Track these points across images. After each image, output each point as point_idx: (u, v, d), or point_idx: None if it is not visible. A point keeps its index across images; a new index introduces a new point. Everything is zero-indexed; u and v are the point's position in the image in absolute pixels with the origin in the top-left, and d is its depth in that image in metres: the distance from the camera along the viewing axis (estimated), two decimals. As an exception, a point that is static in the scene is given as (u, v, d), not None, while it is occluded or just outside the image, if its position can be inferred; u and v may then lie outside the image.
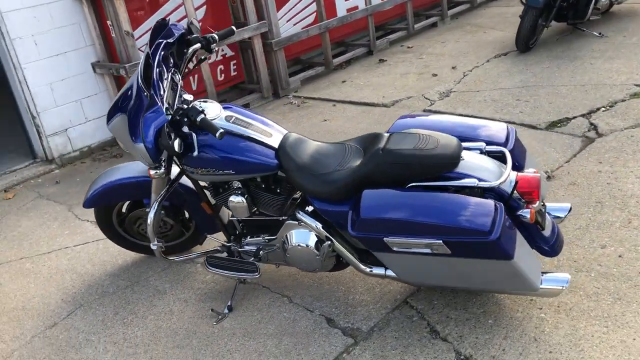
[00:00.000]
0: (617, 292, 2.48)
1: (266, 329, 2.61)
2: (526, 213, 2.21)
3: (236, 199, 2.65)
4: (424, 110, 4.82)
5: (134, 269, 3.22)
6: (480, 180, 2.24)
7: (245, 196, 2.66)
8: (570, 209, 2.61)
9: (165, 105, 2.45)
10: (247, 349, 2.51)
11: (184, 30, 2.75)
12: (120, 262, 3.29)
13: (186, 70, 2.82)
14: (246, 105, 5.60)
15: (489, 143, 2.44)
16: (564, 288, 2.26)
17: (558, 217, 2.60)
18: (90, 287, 3.14)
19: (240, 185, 2.67)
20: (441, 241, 2.11)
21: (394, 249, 2.19)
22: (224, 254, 2.86)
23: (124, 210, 3.13)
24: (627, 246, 2.75)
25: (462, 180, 2.23)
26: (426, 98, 5.09)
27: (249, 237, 2.79)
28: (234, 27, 2.92)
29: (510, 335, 2.35)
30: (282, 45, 5.70)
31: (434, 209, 2.14)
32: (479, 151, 2.41)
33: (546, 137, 3.99)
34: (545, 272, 2.32)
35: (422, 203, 2.17)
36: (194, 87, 5.39)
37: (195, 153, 2.43)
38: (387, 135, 2.43)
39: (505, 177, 2.22)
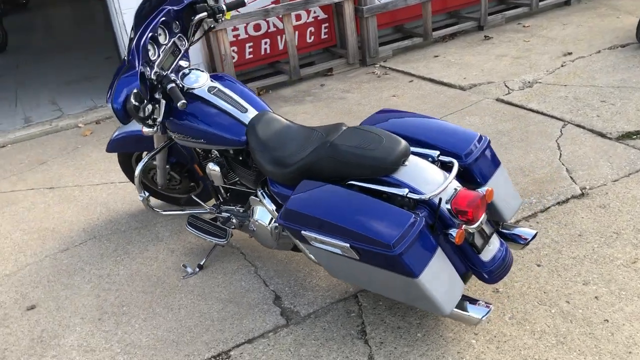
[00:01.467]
0: (565, 337, 2.25)
1: (220, 294, 2.76)
2: (454, 232, 2.08)
3: (212, 167, 2.78)
4: (497, 100, 4.51)
5: (149, 213, 3.52)
6: (411, 190, 2.13)
7: (222, 165, 2.77)
8: (535, 235, 2.39)
9: (155, 69, 2.62)
10: (194, 308, 2.69)
11: None
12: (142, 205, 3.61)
13: (193, 37, 2.95)
14: (329, 70, 5.64)
15: (446, 152, 2.29)
16: (483, 320, 2.11)
17: (518, 242, 2.39)
18: (109, 222, 3.51)
19: (217, 154, 2.79)
20: (349, 245, 2.07)
21: (311, 242, 2.19)
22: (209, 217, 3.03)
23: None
24: (612, 288, 2.45)
25: (393, 188, 2.14)
26: (506, 86, 4.74)
27: (229, 204, 2.93)
28: (243, -1, 2.98)
29: (428, 354, 2.26)
30: (373, 12, 5.59)
31: (348, 212, 2.10)
32: (430, 159, 2.28)
33: (610, 148, 3.56)
34: (470, 298, 2.18)
35: (340, 204, 2.13)
36: (280, 47, 5.52)
37: (159, 119, 2.56)
38: (343, 128, 2.38)
39: (437, 191, 2.09)
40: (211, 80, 2.73)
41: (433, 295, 2.03)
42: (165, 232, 3.33)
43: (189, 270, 2.93)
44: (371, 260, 2.05)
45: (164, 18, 2.71)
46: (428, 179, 2.18)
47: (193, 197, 3.18)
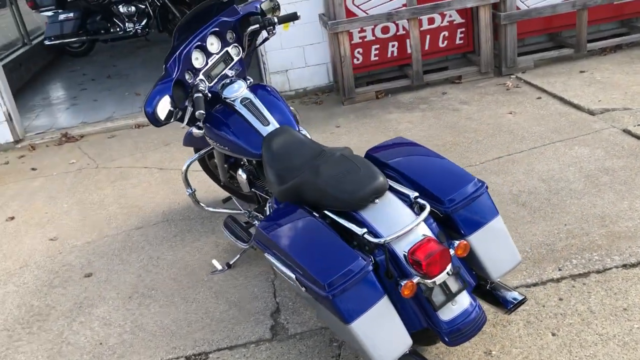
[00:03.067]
0: None
1: (232, 295, 2.89)
2: (404, 283, 1.93)
3: (239, 172, 2.90)
4: (623, 131, 3.91)
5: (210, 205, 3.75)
6: (371, 230, 2.02)
7: (249, 172, 2.88)
8: (522, 301, 2.09)
9: (200, 77, 2.79)
10: (204, 305, 2.86)
11: (254, 10, 2.98)
12: (212, 196, 3.86)
13: (249, 47, 3.06)
14: (458, 78, 5.36)
15: (430, 195, 2.11)
16: None
17: (502, 306, 2.12)
18: (185, 209, 3.83)
19: (246, 162, 2.89)
20: (294, 276, 2.04)
21: (273, 267, 2.20)
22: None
23: None
24: (623, 382, 2.05)
25: (354, 226, 2.04)
26: (643, 115, 4.07)
27: (259, 210, 3.03)
28: (297, 13, 3.00)
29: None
30: (513, 19, 5.15)
31: (303, 244, 2.06)
32: (408, 200, 2.11)
33: None
34: (421, 358, 2.00)
35: (301, 234, 2.10)
36: (409, 50, 5.39)
37: (183, 124, 2.72)
38: (337, 154, 2.31)
39: (392, 235, 1.95)
40: (248, 91, 2.82)
41: (365, 345, 1.92)
42: (215, 225, 3.54)
43: (218, 267, 3.10)
44: (314, 296, 2.00)
45: (216, 28, 2.86)
46: (393, 221, 2.03)
47: (233, 198, 3.33)
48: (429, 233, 2.03)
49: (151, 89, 2.69)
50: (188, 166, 3.14)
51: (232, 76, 2.92)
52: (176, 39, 2.76)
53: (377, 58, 5.45)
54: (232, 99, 2.79)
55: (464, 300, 2.03)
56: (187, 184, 3.19)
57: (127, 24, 8.74)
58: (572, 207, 3.14)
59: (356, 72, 5.42)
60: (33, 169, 4.94)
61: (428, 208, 2.04)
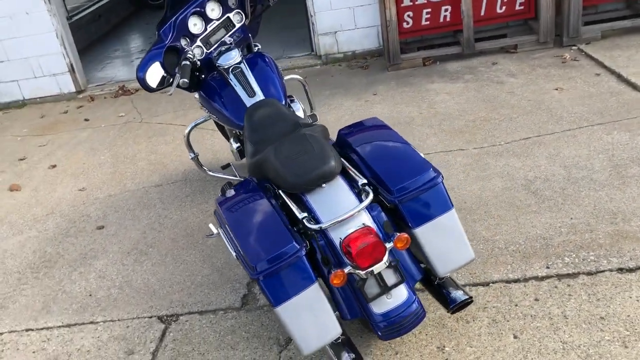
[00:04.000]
0: None
1: (218, 261, 2.96)
2: (333, 272, 1.89)
3: (231, 141, 2.92)
4: (676, 115, 3.52)
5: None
6: (313, 215, 1.98)
7: (237, 142, 2.88)
8: (466, 302, 1.99)
9: (197, 44, 2.82)
10: (190, 267, 2.95)
11: None
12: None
13: (252, 14, 3.02)
14: (514, 47, 5.02)
15: (381, 182, 2.02)
16: None
17: (446, 305, 2.03)
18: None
19: (238, 133, 2.90)
20: (234, 254, 2.05)
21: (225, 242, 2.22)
22: None
23: None
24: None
25: (297, 210, 2.01)
26: None
27: None
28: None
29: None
30: (578, -15, 4.70)
31: (246, 223, 2.05)
32: (358, 186, 2.03)
33: None
34: (352, 348, 1.96)
35: (247, 213, 2.09)
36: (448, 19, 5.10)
37: (171, 91, 2.73)
38: (300, 133, 2.25)
39: (328, 223, 1.90)
40: (242, 60, 2.80)
41: (291, 330, 1.91)
42: (231, 190, 3.60)
43: (214, 230, 3.15)
44: (249, 274, 2.00)
45: None
46: (336, 207, 1.98)
47: (232, 165, 3.36)
48: (370, 222, 1.96)
49: (145, 54, 2.74)
50: (190, 130, 3.19)
51: (231, 43, 2.91)
52: (168, 4, 2.77)
53: (428, 22, 5.19)
54: (224, 67, 2.78)
55: (400, 294, 1.96)
56: (190, 147, 3.25)
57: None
58: (586, 200, 2.90)
59: (405, 37, 5.23)
60: (86, 120, 5.23)
61: (371, 196, 1.96)
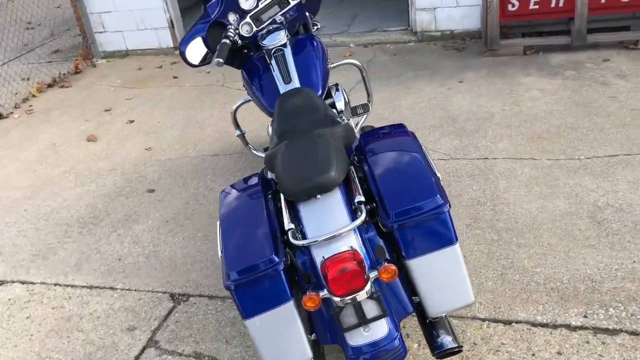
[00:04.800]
0: None
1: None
2: (307, 294, 1.74)
3: (269, 127, 2.80)
4: None
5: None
6: (299, 229, 1.83)
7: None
8: (455, 350, 1.77)
9: (246, 20, 2.71)
10: (213, 246, 2.90)
11: None
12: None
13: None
14: (634, 43, 4.40)
15: (382, 203, 1.81)
16: None
17: (433, 349, 1.81)
18: (263, 144, 3.86)
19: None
20: (220, 254, 1.96)
21: None
22: None
23: None
24: None
25: (286, 219, 1.87)
26: None
27: None
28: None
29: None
30: None
31: (235, 224, 1.94)
32: (352, 203, 1.85)
33: None
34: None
35: (241, 213, 1.98)
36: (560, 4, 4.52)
37: (208, 70, 2.65)
38: (315, 133, 2.08)
39: (309, 241, 1.75)
40: (287, 42, 2.64)
41: (258, 346, 1.80)
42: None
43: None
44: None
45: None
46: (324, 223, 1.81)
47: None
48: (357, 246, 1.78)
49: (190, 28, 2.68)
50: (237, 107, 3.11)
51: (281, 22, 2.76)
52: None
53: (537, 7, 4.66)
54: (268, 48, 2.65)
55: (379, 329, 1.77)
56: (236, 125, 3.18)
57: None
58: (659, 242, 2.48)
59: (509, 20, 4.75)
60: (175, 77, 5.35)
61: (362, 217, 1.77)
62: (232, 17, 2.70)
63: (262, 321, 1.77)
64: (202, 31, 2.62)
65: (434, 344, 1.84)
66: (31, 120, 4.81)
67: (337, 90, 2.75)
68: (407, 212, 1.77)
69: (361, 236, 1.81)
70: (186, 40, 2.65)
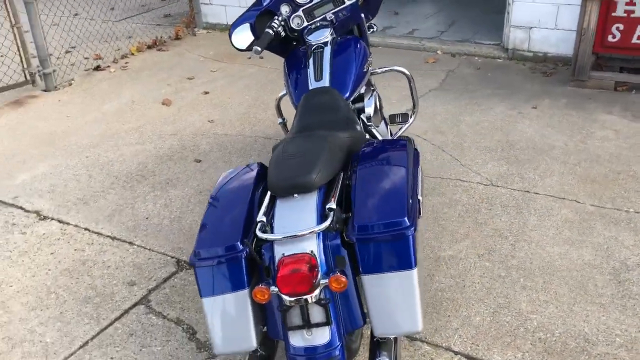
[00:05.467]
0: None
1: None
2: (258, 286, 1.79)
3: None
4: None
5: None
6: (270, 223, 1.88)
7: None
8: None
9: (298, 13, 2.76)
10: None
11: None
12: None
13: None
14: None
15: (353, 214, 1.81)
16: None
17: None
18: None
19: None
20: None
21: None
22: None
23: None
24: None
25: (261, 211, 1.91)
26: None
27: None
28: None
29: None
30: None
31: (217, 206, 2.03)
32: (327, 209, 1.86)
33: None
34: None
35: (223, 195, 2.05)
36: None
37: (249, 56, 2.73)
38: (317, 133, 2.11)
39: (272, 237, 1.79)
40: (328, 41, 2.67)
41: (209, 325, 1.88)
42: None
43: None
44: None
45: None
46: (292, 223, 1.84)
47: None
48: (317, 251, 1.79)
49: (242, 14, 2.78)
50: (282, 96, 3.18)
51: (332, 20, 2.78)
52: None
53: None
54: (311, 44, 2.69)
55: (321, 335, 1.79)
56: (279, 113, 3.26)
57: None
58: (677, 316, 2.27)
59: (607, 52, 4.45)
60: (261, 57, 5.50)
61: (325, 223, 1.78)
62: (284, 9, 2.76)
63: (216, 302, 1.84)
64: (251, 18, 2.71)
65: (372, 363, 1.83)
66: (122, 76, 5.17)
67: (371, 95, 2.75)
68: (370, 227, 1.76)
69: (325, 242, 1.82)
70: (235, 25, 2.75)
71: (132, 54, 5.72)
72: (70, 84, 5.03)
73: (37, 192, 3.41)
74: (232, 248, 1.81)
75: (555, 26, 4.81)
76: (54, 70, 4.89)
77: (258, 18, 2.73)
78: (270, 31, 2.62)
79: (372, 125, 2.73)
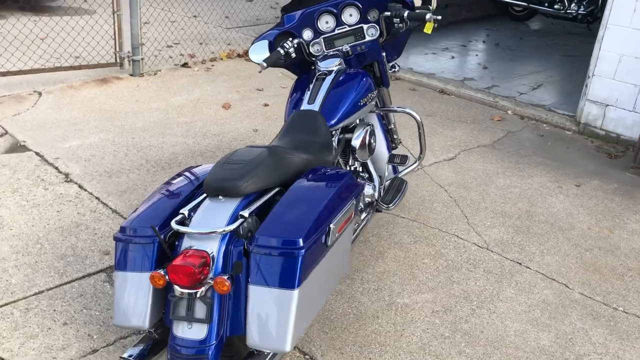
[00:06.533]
0: None
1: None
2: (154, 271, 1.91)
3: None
4: None
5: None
6: (189, 218, 1.99)
7: None
8: None
9: (318, 40, 2.88)
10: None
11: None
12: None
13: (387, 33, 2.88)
14: None
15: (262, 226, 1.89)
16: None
17: None
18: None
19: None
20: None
21: None
22: None
23: None
24: None
25: (188, 207, 2.04)
26: None
27: None
28: (431, 15, 2.65)
29: None
30: None
31: (164, 188, 2.18)
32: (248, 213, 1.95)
33: None
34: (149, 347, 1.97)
35: (168, 188, 2.20)
36: None
37: (260, 70, 2.86)
38: (274, 150, 2.20)
39: (183, 229, 1.91)
40: (334, 69, 2.75)
41: (114, 296, 2.02)
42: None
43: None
44: None
45: (358, 2, 2.84)
46: (206, 221, 1.94)
47: None
48: (216, 252, 1.88)
49: (266, 31, 2.95)
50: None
51: (347, 52, 2.87)
52: None
53: None
54: (319, 69, 2.80)
55: (199, 331, 1.86)
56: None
57: (571, 4, 8.23)
58: None
59: (679, 145, 4.12)
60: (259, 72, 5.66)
61: (229, 227, 1.87)
62: (306, 34, 2.90)
63: (124, 277, 1.98)
64: (271, 36, 2.86)
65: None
66: (202, 76, 5.55)
67: (363, 130, 2.78)
68: (266, 241, 1.83)
69: (229, 246, 1.90)
70: (256, 40, 2.92)
71: (221, 59, 6.11)
72: (156, 74, 5.48)
73: (76, 157, 3.78)
74: (144, 231, 1.95)
75: (634, 109, 4.53)
76: (142, 59, 5.36)
77: (278, 37, 2.88)
78: (281, 50, 2.75)
79: (356, 157, 2.77)
